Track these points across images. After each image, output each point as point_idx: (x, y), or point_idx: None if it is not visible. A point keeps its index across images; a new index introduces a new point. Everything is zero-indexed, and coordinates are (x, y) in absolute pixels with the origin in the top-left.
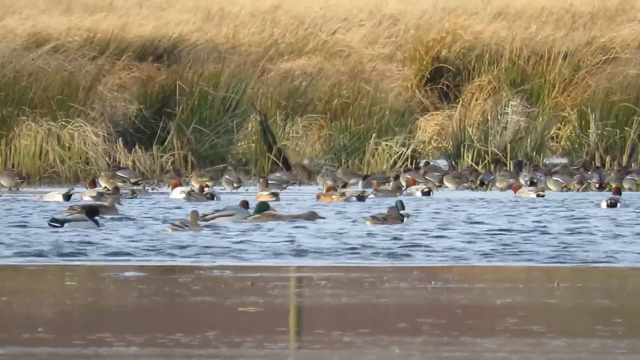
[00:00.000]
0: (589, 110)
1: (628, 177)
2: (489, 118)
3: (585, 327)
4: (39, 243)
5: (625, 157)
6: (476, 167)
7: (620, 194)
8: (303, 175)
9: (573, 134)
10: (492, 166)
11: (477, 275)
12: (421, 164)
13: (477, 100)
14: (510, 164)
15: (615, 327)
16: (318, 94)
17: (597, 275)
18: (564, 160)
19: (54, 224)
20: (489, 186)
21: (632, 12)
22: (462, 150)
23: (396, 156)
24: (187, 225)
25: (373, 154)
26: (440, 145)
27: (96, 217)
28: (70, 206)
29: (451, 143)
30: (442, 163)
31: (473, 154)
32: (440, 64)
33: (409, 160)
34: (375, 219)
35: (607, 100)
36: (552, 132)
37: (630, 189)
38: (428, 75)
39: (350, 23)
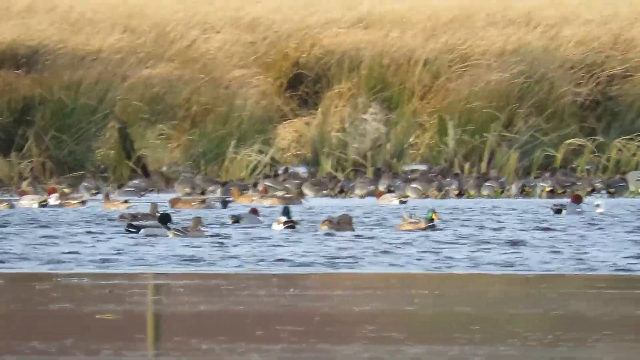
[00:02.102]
0: (448, 117)
1: (486, 184)
2: (348, 125)
3: (444, 334)
4: None
5: (484, 164)
6: (335, 174)
7: (579, 201)
8: (162, 182)
9: (432, 141)
10: (353, 173)
11: (336, 283)
12: (280, 171)
13: (336, 107)
14: (370, 171)
15: (473, 334)
16: (177, 101)
17: (456, 282)
18: (423, 167)
19: (131, 229)
20: (348, 193)
21: (492, 19)
22: (321, 157)
23: (255, 163)
24: (188, 231)
25: (232, 161)
26: (300, 152)
27: (168, 224)
28: (134, 214)
29: (310, 150)
30: (302, 170)
31: (333, 161)
32: (300, 71)
33: (268, 167)
34: (331, 223)
35: (466, 107)
36: (411, 139)
37: (489, 196)
38: (287, 82)
39: (210, 30)
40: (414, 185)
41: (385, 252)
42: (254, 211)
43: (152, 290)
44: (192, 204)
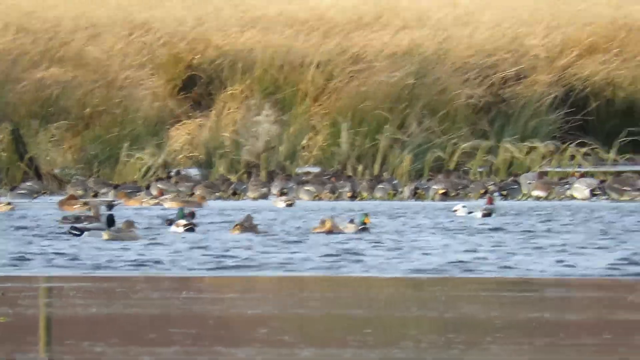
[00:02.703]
0: (341, 119)
1: (379, 186)
2: (241, 127)
3: (337, 337)
4: None
5: (377, 166)
6: (228, 176)
7: (492, 203)
8: (54, 185)
9: (325, 143)
10: (246, 175)
11: (228, 286)
12: (173, 174)
13: (229, 109)
14: (263, 173)
15: (366, 337)
16: (70, 103)
17: (349, 284)
18: (317, 170)
19: (74, 232)
20: (241, 195)
21: (384, 21)
22: (214, 159)
23: (148, 165)
24: (121, 233)
25: (125, 164)
26: (193, 154)
27: (114, 227)
28: (77, 216)
29: (203, 152)
30: (195, 172)
31: (226, 163)
32: (193, 73)
33: (161, 169)
34: (243, 227)
35: (358, 109)
36: (304, 142)
37: (381, 198)
38: (180, 83)
39: (102, 32)
40: (307, 187)
41: (282, 254)
42: (191, 215)
43: (45, 293)
44: (75, 207)
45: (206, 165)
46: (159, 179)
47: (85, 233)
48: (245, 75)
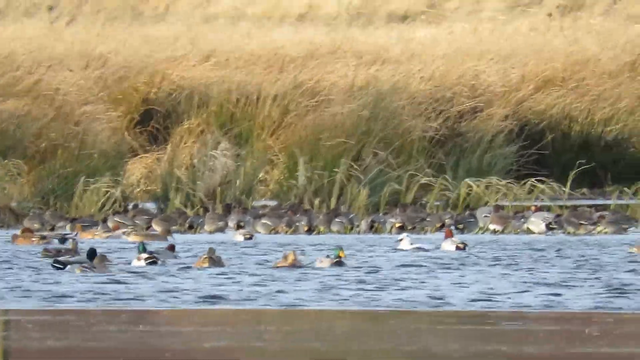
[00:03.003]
0: (298, 153)
1: (336, 219)
2: (197, 161)
3: None
4: None
5: (333, 200)
6: (185, 209)
7: (452, 236)
8: (11, 219)
9: (282, 177)
10: (202, 209)
11: (186, 318)
12: (130, 207)
13: (186, 143)
14: (219, 206)
15: None
16: (26, 136)
17: (306, 317)
18: (273, 203)
19: (57, 265)
20: (198, 229)
21: (340, 55)
22: (171, 193)
23: (105, 199)
24: (94, 267)
25: (81, 197)
26: (149, 188)
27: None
28: (58, 249)
29: (160, 186)
30: (152, 206)
31: (182, 197)
32: (150, 106)
33: (118, 203)
34: (212, 260)
35: (315, 143)
36: (261, 175)
37: (339, 232)
38: (137, 117)
39: (58, 65)
40: (263, 221)
41: (253, 287)
42: (172, 248)
43: (1, 326)
44: (32, 240)
45: (163, 199)
46: (115, 213)
47: (68, 267)
48: (202, 109)
